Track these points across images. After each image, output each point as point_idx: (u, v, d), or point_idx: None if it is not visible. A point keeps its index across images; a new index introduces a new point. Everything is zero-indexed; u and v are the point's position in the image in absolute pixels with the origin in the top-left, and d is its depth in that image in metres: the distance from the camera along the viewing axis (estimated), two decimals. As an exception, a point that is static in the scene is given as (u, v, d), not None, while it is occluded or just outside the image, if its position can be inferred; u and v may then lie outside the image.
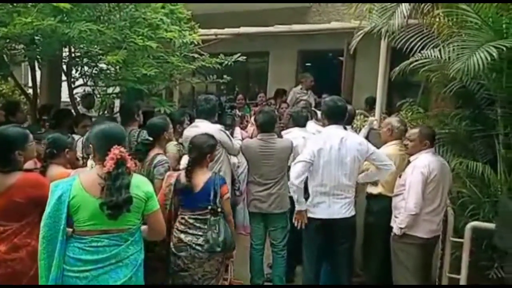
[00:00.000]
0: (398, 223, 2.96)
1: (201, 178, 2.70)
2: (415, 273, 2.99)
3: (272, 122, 3.47)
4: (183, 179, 2.74)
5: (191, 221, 2.70)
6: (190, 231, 2.68)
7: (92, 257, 2.00)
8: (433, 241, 3.05)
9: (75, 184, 2.04)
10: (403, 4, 3.16)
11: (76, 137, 3.31)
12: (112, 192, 1.97)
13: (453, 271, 2.99)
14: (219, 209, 2.65)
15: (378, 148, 3.53)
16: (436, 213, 2.99)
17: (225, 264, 2.82)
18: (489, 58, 2.50)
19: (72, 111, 4.70)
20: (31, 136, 2.39)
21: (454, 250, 3.06)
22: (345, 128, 3.29)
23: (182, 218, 2.74)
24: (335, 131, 3.06)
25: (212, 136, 2.91)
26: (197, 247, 2.65)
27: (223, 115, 3.79)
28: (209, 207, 2.65)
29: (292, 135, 3.72)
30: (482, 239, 2.95)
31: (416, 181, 2.91)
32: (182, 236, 2.69)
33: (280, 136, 3.65)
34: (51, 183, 2.10)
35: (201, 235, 2.66)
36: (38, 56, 4.19)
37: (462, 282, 2.87)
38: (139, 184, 2.08)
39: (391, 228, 3.08)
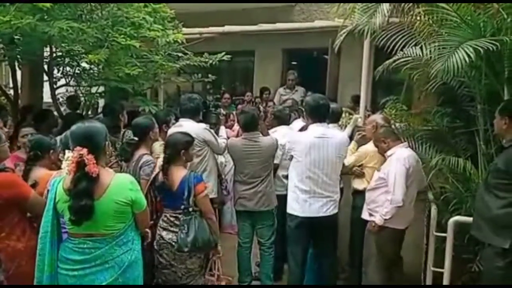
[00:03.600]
0: (382, 214, 3.00)
1: (178, 176, 2.69)
2: (386, 263, 3.12)
3: (253, 121, 3.47)
4: (160, 177, 2.75)
5: (172, 219, 2.71)
6: (171, 229, 2.69)
7: (79, 257, 2.04)
8: (405, 231, 3.18)
9: (59, 187, 2.04)
10: (383, 3, 3.21)
11: (58, 138, 3.25)
12: (74, 197, 1.95)
13: (437, 265, 3.05)
14: (191, 208, 2.63)
15: (362, 145, 3.59)
16: (410, 205, 3.11)
17: (210, 260, 2.81)
18: (467, 59, 2.55)
19: (55, 112, 4.62)
20: (3, 136, 2.37)
21: (438, 245, 3.12)
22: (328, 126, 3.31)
23: (165, 216, 2.75)
24: (316, 130, 3.08)
25: (188, 134, 2.90)
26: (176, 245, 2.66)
27: (208, 114, 3.77)
28: (182, 206, 2.65)
29: (280, 133, 3.74)
30: (465, 233, 3.01)
31: (400, 173, 2.98)
32: (164, 233, 2.70)
33: (266, 135, 3.66)
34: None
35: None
36: (18, 56, 4.11)
37: (446, 275, 2.93)
38: (121, 189, 2.03)
39: (364, 221, 3.15)
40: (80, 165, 1.93)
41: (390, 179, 3.00)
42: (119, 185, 2.03)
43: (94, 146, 1.99)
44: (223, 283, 2.94)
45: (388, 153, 3.14)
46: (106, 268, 2.04)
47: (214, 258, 2.83)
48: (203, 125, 3.42)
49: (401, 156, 3.04)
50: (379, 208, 3.05)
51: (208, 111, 3.78)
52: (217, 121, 3.82)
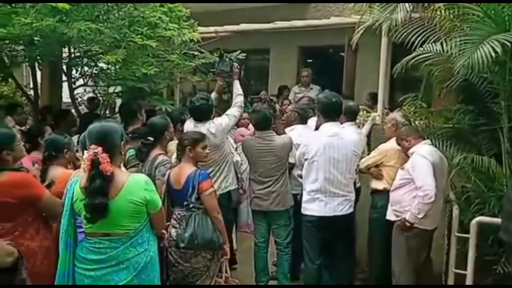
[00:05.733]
0: (414, 212, 2.89)
1: (184, 173, 2.69)
2: (416, 265, 3.04)
3: (266, 120, 3.43)
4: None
5: (179, 216, 2.71)
6: (178, 226, 2.69)
7: (95, 257, 2.05)
8: (433, 232, 3.10)
9: (76, 186, 2.06)
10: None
11: (75, 137, 3.30)
12: (89, 196, 1.97)
13: (459, 266, 2.97)
14: (191, 205, 2.63)
15: (381, 143, 3.53)
16: (438, 204, 3.02)
17: (217, 262, 2.75)
18: (493, 54, 2.47)
19: (73, 111, 4.70)
20: (18, 136, 2.40)
21: (459, 246, 3.04)
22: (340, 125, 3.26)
23: (174, 214, 2.75)
24: (329, 128, 3.05)
25: (198, 133, 2.91)
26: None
27: (221, 62, 3.63)
28: (185, 203, 2.65)
29: (296, 132, 3.69)
30: (488, 234, 2.92)
31: (426, 168, 2.90)
32: (173, 231, 2.69)
33: (283, 133, 3.63)
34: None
35: None
36: (38, 57, 4.19)
37: (469, 277, 2.85)
38: (135, 189, 2.04)
39: (392, 222, 3.08)
40: (94, 163, 1.95)
41: (417, 175, 2.91)
42: (134, 185, 2.04)
43: (109, 145, 2.01)
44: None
45: (411, 150, 3.08)
46: (121, 268, 2.05)
47: (222, 260, 2.78)
48: (208, 125, 3.30)
49: (424, 151, 2.98)
50: (405, 208, 2.97)
51: (221, 59, 3.64)
52: (231, 69, 3.65)
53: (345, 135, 3.10)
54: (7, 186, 2.16)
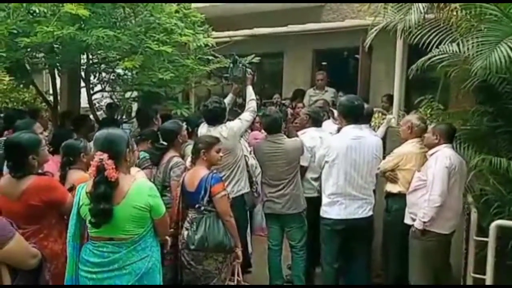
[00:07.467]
0: (421, 217, 2.91)
1: (198, 176, 2.72)
2: (433, 270, 2.99)
3: (275, 124, 3.44)
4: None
5: (191, 218, 2.73)
6: (190, 228, 2.71)
7: (98, 260, 2.08)
8: (451, 236, 3.05)
9: (83, 191, 2.11)
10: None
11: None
12: (94, 201, 2.01)
13: (478, 271, 2.91)
14: (202, 208, 2.65)
15: (397, 146, 3.49)
16: (455, 208, 2.98)
17: (229, 265, 2.75)
18: (511, 54, 2.42)
19: (91, 116, 4.81)
20: (43, 141, 2.47)
21: (478, 250, 2.98)
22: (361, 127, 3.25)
23: (188, 216, 2.78)
24: (352, 131, 3.03)
25: (212, 136, 2.95)
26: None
27: (235, 68, 3.63)
28: (196, 206, 2.68)
29: (309, 135, 3.69)
30: (508, 238, 2.86)
31: (440, 172, 2.88)
32: (185, 233, 2.72)
33: (295, 136, 3.63)
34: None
35: None
36: (57, 64, 4.30)
37: (488, 282, 2.79)
38: (140, 194, 2.06)
39: (408, 226, 3.05)
40: (99, 169, 2.00)
41: (429, 178, 2.90)
42: (138, 191, 2.07)
43: (114, 152, 2.05)
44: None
45: (430, 152, 3.06)
46: (123, 274, 2.07)
47: (234, 263, 2.79)
48: (220, 129, 3.30)
49: (442, 154, 2.95)
50: (423, 209, 2.94)
51: (235, 65, 3.65)
52: (243, 76, 3.65)
53: (367, 138, 3.09)
54: (33, 190, 2.23)
